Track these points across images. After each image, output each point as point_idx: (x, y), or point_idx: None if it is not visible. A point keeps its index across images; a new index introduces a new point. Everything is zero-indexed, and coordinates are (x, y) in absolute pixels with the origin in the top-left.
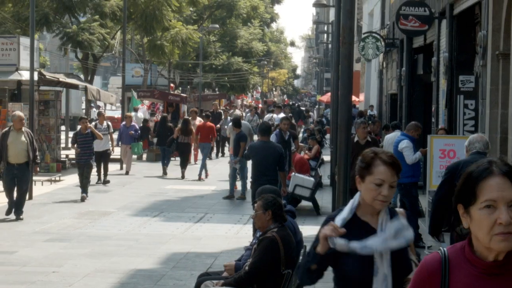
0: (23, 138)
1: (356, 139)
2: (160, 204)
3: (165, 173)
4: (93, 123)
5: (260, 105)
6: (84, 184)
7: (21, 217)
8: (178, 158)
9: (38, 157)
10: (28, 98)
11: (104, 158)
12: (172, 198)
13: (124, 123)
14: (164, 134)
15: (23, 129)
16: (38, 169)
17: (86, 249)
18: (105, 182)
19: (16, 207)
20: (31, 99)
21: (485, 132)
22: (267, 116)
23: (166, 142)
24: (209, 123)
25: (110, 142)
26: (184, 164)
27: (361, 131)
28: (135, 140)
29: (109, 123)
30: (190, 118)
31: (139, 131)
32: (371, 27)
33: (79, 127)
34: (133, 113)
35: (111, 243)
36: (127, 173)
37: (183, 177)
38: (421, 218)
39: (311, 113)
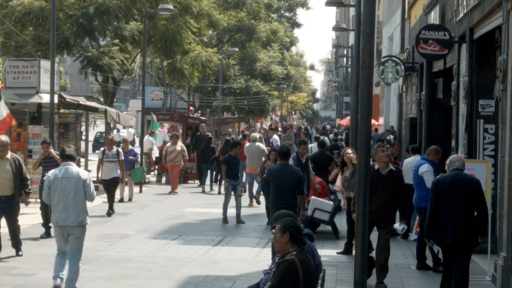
0: (7, 167)
1: (376, 167)
2: (179, 227)
3: (211, 188)
4: (102, 148)
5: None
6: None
7: (20, 253)
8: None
9: (29, 187)
10: (48, 120)
11: (111, 186)
12: (191, 221)
13: (122, 146)
14: (207, 153)
15: (8, 156)
16: (29, 200)
17: (105, 271)
18: (109, 213)
19: (12, 242)
20: (51, 121)
21: (505, 157)
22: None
23: (209, 161)
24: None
25: (119, 170)
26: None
27: (379, 156)
28: (135, 165)
29: (120, 149)
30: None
31: (138, 155)
32: (390, 51)
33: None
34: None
35: (130, 266)
36: (130, 200)
37: (220, 192)
38: None
39: (340, 136)
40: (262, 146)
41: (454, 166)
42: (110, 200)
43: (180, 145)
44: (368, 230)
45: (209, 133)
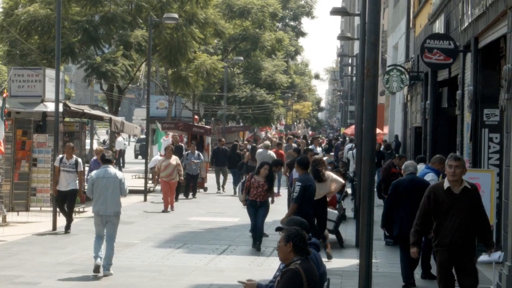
0: None
1: (446, 185)
2: (183, 236)
3: (235, 192)
4: (60, 156)
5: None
6: None
7: None
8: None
9: None
10: (53, 129)
11: (69, 199)
12: (195, 229)
13: (95, 158)
14: (234, 158)
15: None
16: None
17: (109, 280)
18: (67, 228)
19: None
20: (56, 130)
21: (509, 166)
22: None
23: (236, 166)
24: (280, 151)
25: (77, 181)
26: None
27: (447, 172)
28: None
29: (79, 159)
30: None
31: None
32: (395, 60)
33: None
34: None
35: (134, 275)
36: None
37: None
38: None
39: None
40: (273, 153)
41: (409, 171)
42: (69, 215)
43: (175, 158)
44: (447, 264)
45: (237, 140)
